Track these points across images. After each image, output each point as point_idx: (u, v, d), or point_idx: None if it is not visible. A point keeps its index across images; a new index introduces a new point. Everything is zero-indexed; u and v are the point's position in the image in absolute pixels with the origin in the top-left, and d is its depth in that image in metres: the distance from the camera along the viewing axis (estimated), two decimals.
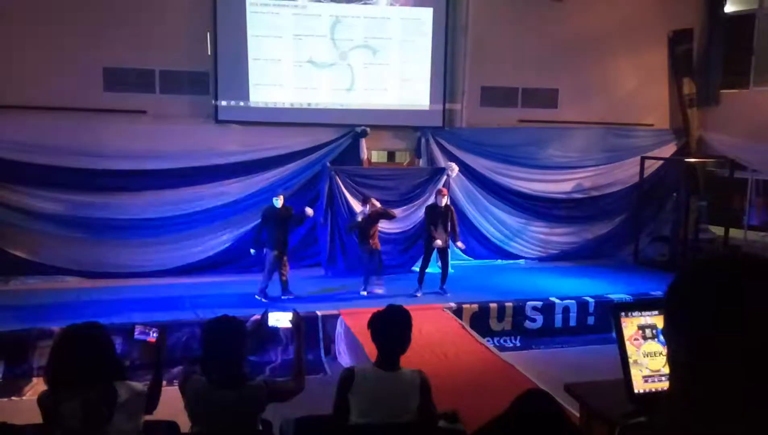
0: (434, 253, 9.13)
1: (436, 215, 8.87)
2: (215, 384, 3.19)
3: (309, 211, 8.97)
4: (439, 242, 8.86)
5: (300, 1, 9.99)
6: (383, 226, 9.70)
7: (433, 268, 9.27)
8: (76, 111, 9.17)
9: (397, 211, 9.86)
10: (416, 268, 9.38)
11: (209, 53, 9.67)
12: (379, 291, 8.90)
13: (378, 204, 9.01)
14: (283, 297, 8.56)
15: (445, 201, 8.92)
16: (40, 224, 9.16)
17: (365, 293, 8.85)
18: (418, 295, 8.80)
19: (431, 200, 9.90)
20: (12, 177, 9.01)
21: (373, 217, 8.86)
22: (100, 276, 9.33)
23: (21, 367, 7.01)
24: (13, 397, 6.53)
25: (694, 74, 11.56)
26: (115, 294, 8.60)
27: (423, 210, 9.57)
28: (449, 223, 8.95)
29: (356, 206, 9.45)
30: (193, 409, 3.22)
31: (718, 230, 11.32)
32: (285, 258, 8.63)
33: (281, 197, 8.64)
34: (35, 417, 3.01)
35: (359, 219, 8.87)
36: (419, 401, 3.34)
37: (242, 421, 3.22)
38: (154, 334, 3.52)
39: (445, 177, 10.08)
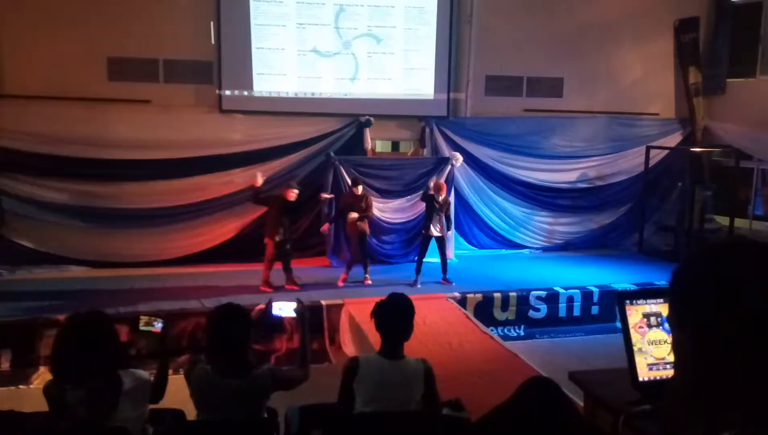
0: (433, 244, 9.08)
1: (433, 205, 8.83)
2: (220, 372, 3.20)
3: (324, 195, 8.92)
4: (434, 231, 8.84)
5: None
6: (389, 215, 9.68)
7: (434, 256, 9.20)
8: (80, 100, 9.18)
9: (396, 202, 9.86)
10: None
11: (213, 43, 9.65)
12: (368, 282, 8.90)
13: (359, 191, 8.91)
14: (287, 287, 8.57)
15: (443, 197, 8.84)
16: (45, 214, 9.20)
17: (341, 284, 8.79)
18: (418, 285, 8.78)
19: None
20: (17, 167, 9.04)
21: (356, 201, 8.79)
22: (105, 265, 9.37)
23: (28, 356, 7.07)
24: (20, 386, 6.60)
25: (700, 63, 11.48)
26: (120, 283, 8.64)
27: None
28: (445, 214, 8.91)
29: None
30: (198, 397, 3.24)
31: (723, 220, 11.28)
32: (288, 247, 8.61)
33: (295, 192, 8.40)
34: (42, 405, 3.03)
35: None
36: (424, 390, 3.36)
37: (247, 409, 3.24)
38: (159, 325, 3.53)
39: (449, 167, 10.06)
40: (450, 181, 10.07)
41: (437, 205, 8.79)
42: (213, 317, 3.30)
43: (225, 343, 3.23)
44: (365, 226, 8.88)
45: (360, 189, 8.82)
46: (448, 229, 9.11)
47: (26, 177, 9.10)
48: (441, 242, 9.01)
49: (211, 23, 9.62)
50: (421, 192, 9.81)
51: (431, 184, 9.04)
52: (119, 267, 9.34)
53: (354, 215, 8.72)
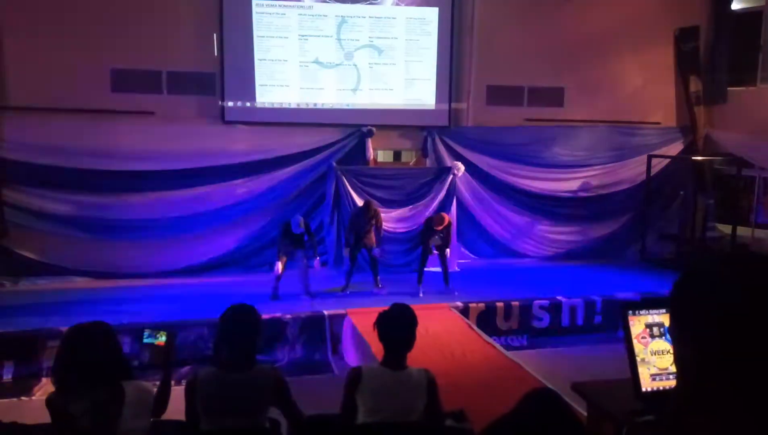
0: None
1: (432, 229, 8.86)
2: (225, 369, 3.21)
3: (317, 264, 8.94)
4: (436, 238, 8.86)
5: (306, 1, 10.02)
6: (390, 224, 9.70)
7: (437, 266, 9.24)
8: (84, 112, 9.22)
9: (398, 212, 9.90)
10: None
11: (216, 54, 9.70)
12: (379, 287, 8.96)
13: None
14: (306, 295, 8.63)
15: (442, 227, 8.84)
16: (48, 225, 9.22)
17: (345, 290, 8.98)
18: (420, 295, 8.78)
19: (438, 200, 9.90)
20: (20, 178, 9.08)
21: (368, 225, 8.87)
22: (108, 276, 9.40)
23: (31, 367, 7.07)
24: (23, 397, 6.58)
25: (701, 72, 11.51)
26: (123, 294, 8.65)
27: (429, 210, 9.62)
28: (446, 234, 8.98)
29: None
30: (203, 402, 3.22)
31: (725, 228, 11.26)
32: (304, 262, 8.66)
33: (302, 222, 8.54)
34: (45, 417, 3.02)
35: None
36: (426, 400, 3.34)
37: (251, 403, 3.22)
38: (163, 338, 3.53)
39: (450, 177, 10.07)
40: (452, 190, 10.09)
41: (435, 236, 8.85)
42: (225, 314, 3.32)
43: (234, 337, 3.24)
44: (372, 238, 8.92)
45: (372, 218, 8.85)
46: (447, 246, 9.11)
47: (30, 188, 9.13)
48: (442, 251, 9.02)
49: (214, 35, 9.67)
50: (422, 201, 9.85)
51: (435, 218, 9.03)
52: (122, 278, 9.35)
53: (374, 243, 8.91)
